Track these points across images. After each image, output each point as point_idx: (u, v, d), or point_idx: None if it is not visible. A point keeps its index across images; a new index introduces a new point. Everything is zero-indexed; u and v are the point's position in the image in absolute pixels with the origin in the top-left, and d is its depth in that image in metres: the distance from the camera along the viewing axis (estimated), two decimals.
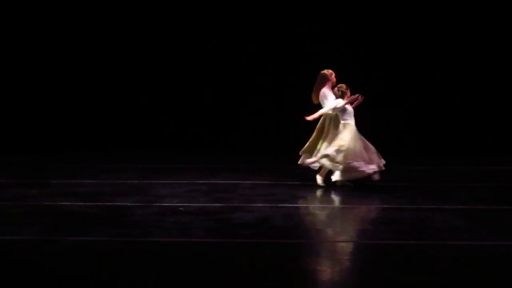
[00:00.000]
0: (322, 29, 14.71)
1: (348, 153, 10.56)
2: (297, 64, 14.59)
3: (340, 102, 10.73)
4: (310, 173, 11.75)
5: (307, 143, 11.06)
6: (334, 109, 10.78)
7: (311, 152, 11.02)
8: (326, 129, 10.97)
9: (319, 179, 11.01)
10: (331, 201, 10.37)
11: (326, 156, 10.70)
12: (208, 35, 14.86)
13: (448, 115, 14.73)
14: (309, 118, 10.75)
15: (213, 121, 14.93)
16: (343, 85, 10.85)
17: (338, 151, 10.60)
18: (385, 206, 9.92)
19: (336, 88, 10.83)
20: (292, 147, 11.90)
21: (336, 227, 8.82)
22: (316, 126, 11.04)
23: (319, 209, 9.83)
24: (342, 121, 10.78)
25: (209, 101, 14.95)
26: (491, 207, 9.60)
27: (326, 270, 6.93)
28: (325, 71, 11.10)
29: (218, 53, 14.85)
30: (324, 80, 11.05)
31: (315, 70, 13.47)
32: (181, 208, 9.40)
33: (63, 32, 14.79)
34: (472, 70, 14.64)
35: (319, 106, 10.93)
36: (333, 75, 11.07)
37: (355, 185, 10.89)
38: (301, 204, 10.09)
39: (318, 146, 10.96)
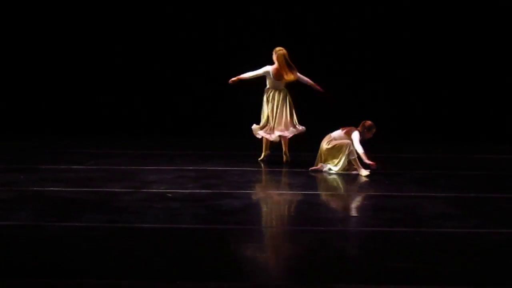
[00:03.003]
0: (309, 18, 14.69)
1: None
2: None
3: None
4: (299, 159, 11.76)
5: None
6: None
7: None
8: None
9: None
10: (319, 188, 10.36)
11: None
12: (190, 18, 14.80)
13: (438, 103, 14.74)
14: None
15: (202, 107, 14.88)
16: None
17: None
18: (373, 193, 9.92)
19: None
20: None
21: (324, 214, 8.81)
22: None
23: (308, 196, 9.80)
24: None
25: (198, 87, 14.91)
26: (480, 195, 9.61)
27: (314, 257, 6.93)
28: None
29: (205, 36, 14.79)
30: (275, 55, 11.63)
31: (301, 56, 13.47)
32: (169, 194, 9.38)
33: (49, 20, 14.70)
34: (462, 58, 14.63)
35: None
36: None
37: (344, 173, 10.88)
38: (289, 191, 10.08)
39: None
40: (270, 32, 14.33)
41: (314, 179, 10.64)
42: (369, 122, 10.90)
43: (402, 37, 14.60)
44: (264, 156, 11.81)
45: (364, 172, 10.68)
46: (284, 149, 11.70)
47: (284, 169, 11.28)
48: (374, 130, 10.89)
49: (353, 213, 8.93)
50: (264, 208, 9.26)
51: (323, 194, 10.00)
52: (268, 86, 11.69)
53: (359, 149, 10.75)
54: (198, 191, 9.68)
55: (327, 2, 14.70)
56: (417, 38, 14.61)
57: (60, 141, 13.93)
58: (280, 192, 9.98)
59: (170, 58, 14.86)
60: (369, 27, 14.63)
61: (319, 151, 11.07)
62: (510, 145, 13.70)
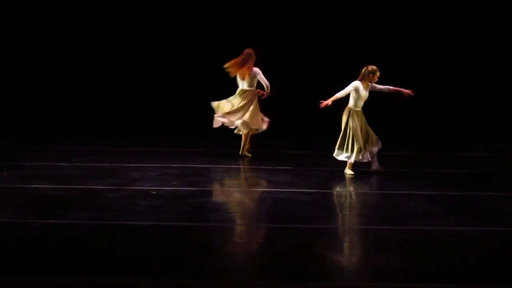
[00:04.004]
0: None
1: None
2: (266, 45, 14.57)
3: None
4: (284, 157, 11.79)
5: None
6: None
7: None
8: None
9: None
10: (304, 186, 10.37)
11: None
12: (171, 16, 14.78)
13: (422, 102, 14.76)
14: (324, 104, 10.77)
15: (187, 105, 14.86)
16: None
17: None
18: (358, 191, 9.96)
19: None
20: (265, 131, 11.92)
21: (308, 212, 8.83)
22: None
23: (292, 194, 9.83)
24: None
25: (182, 84, 14.89)
26: (462, 193, 9.67)
27: (297, 255, 6.95)
28: (252, 50, 11.82)
29: (189, 34, 14.77)
30: (253, 58, 11.76)
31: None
32: (153, 192, 9.38)
33: (31, 20, 14.63)
34: (443, 57, 14.67)
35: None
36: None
37: (329, 171, 10.92)
38: (273, 189, 10.10)
39: None
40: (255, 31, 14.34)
41: (298, 177, 10.65)
42: (371, 66, 10.73)
43: (389, 37, 14.62)
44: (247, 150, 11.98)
45: (349, 172, 10.69)
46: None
47: (268, 167, 11.29)
48: (378, 73, 10.70)
49: (338, 210, 8.96)
50: (248, 206, 9.28)
51: (308, 192, 10.01)
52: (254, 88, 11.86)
53: (340, 94, 10.65)
54: (182, 188, 9.68)
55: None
56: (402, 41, 14.63)
57: (43, 138, 13.88)
58: (264, 189, 10.00)
59: (152, 55, 14.82)
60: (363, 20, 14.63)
61: (362, 130, 10.84)
62: (491, 144, 13.76)
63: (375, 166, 10.81)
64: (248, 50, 11.78)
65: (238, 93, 11.86)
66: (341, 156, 10.70)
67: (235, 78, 11.89)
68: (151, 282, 6.06)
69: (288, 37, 14.51)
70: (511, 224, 8.13)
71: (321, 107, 10.62)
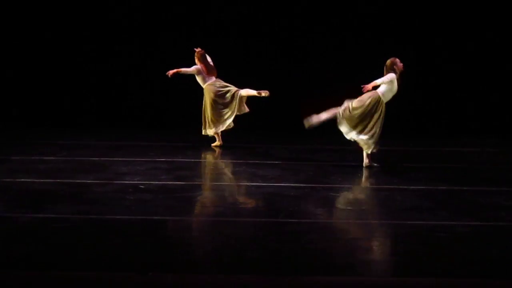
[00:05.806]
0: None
1: None
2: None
3: None
4: (271, 152, 11.80)
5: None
6: None
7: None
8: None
9: None
10: (292, 180, 10.38)
11: None
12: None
13: (409, 97, 14.79)
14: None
15: (175, 99, 14.85)
16: None
17: None
18: (345, 185, 9.98)
19: None
20: (254, 125, 11.92)
21: (296, 206, 8.85)
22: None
23: (281, 188, 9.84)
24: None
25: (170, 79, 14.87)
26: (450, 188, 9.70)
27: (287, 249, 6.96)
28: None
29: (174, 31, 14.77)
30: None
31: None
32: (142, 186, 9.37)
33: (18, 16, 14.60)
34: (430, 53, 14.70)
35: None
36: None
37: (316, 166, 10.93)
38: (262, 183, 10.10)
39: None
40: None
41: (287, 171, 10.66)
42: (389, 60, 10.71)
43: (385, 34, 14.64)
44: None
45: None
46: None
47: (257, 161, 11.29)
48: (398, 61, 10.69)
49: (326, 205, 8.98)
50: (237, 200, 9.29)
51: (296, 187, 10.03)
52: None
53: (378, 81, 10.50)
54: (170, 182, 9.67)
55: None
56: (386, 35, 14.66)
57: (30, 132, 13.84)
58: (253, 184, 10.00)
59: (141, 48, 14.80)
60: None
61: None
62: (479, 139, 13.80)
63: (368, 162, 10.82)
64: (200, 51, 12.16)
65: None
66: (362, 136, 10.69)
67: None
68: (139, 277, 6.06)
69: (279, 30, 14.52)
70: (498, 219, 8.17)
71: (363, 91, 10.52)
